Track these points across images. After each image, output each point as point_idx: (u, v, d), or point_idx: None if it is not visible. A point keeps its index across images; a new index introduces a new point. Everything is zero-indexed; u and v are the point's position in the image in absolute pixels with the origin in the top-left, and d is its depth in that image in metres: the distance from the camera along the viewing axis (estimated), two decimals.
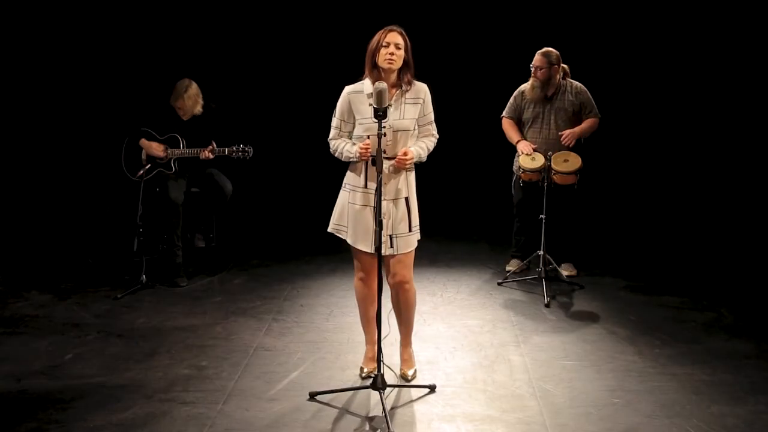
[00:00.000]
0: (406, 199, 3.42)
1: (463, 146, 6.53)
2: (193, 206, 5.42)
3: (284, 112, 6.99)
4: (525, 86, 5.06)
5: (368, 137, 3.32)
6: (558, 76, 4.94)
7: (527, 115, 5.05)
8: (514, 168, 5.23)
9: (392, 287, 3.52)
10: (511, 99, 5.12)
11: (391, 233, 3.39)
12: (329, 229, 3.54)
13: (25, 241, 6.05)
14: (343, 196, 3.49)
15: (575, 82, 5.03)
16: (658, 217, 6.58)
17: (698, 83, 6.59)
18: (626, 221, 6.57)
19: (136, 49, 6.66)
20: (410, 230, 3.43)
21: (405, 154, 3.33)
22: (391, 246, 3.40)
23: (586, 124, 4.99)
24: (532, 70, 4.95)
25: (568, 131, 4.91)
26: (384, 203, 3.35)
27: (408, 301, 3.54)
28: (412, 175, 3.49)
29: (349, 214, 3.44)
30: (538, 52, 4.94)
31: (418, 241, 3.50)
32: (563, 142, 4.89)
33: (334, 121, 3.48)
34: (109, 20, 6.62)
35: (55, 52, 6.65)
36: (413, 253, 3.49)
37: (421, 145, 3.44)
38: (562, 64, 4.98)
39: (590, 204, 5.73)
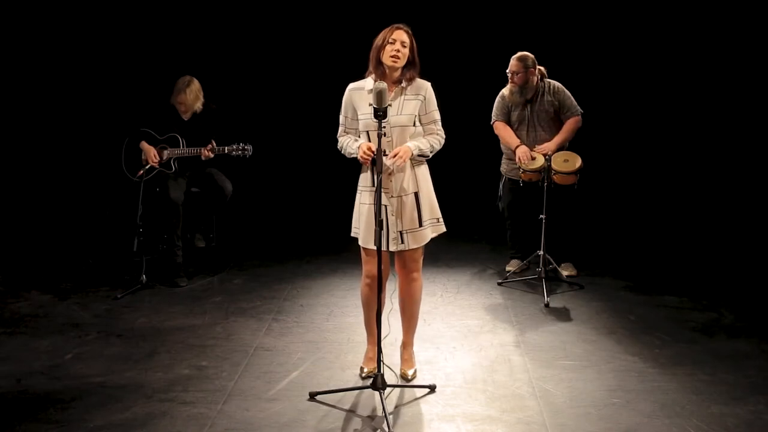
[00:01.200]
0: (416, 194, 3.42)
1: (464, 146, 6.52)
2: (193, 206, 5.42)
3: (284, 112, 6.99)
4: (507, 89, 5.05)
5: (371, 139, 3.33)
6: (535, 79, 4.93)
7: (513, 118, 5.06)
8: (502, 170, 5.23)
9: (401, 279, 3.54)
10: (498, 102, 5.09)
11: (401, 229, 3.40)
12: (352, 234, 3.54)
13: (25, 241, 6.05)
14: (357, 198, 3.51)
15: (553, 82, 5.01)
16: (658, 217, 6.58)
17: (698, 83, 6.59)
18: (626, 221, 6.57)
19: (136, 50, 6.67)
20: (420, 225, 3.43)
21: (395, 154, 3.29)
22: (402, 242, 3.41)
23: (566, 127, 4.94)
24: (509, 75, 4.93)
25: (543, 146, 4.89)
26: (393, 200, 3.37)
27: (414, 293, 3.55)
28: (422, 170, 3.47)
29: (360, 214, 3.45)
30: (514, 57, 4.91)
31: (442, 234, 3.53)
32: (540, 151, 4.86)
33: (340, 118, 3.51)
34: (109, 20, 6.62)
35: (55, 52, 6.65)
36: (423, 247, 3.50)
37: (422, 140, 3.41)
38: (539, 66, 4.95)
39: (590, 204, 5.73)
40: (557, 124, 4.99)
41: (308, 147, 6.72)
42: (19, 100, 6.65)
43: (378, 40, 3.37)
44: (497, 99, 5.10)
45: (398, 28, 3.36)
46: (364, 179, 3.45)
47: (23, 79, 6.63)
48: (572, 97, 4.99)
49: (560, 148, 4.91)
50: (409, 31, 3.38)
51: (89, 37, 6.64)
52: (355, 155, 3.38)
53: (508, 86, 4.99)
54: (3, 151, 6.61)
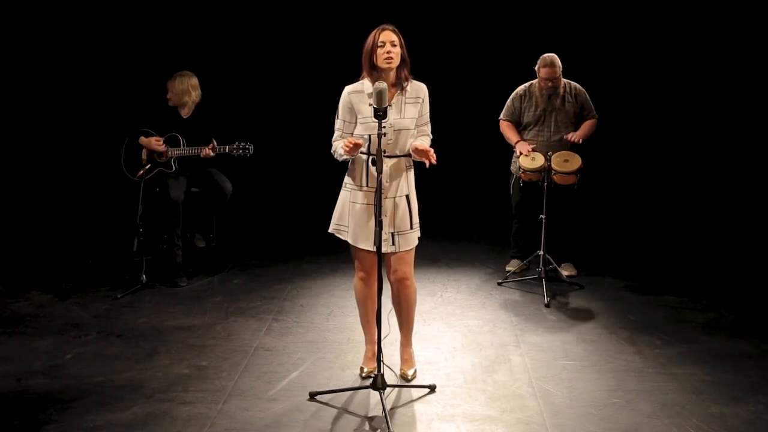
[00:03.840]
0: (407, 196, 3.43)
1: (464, 146, 6.53)
2: (193, 206, 5.42)
3: (284, 111, 6.99)
4: (522, 89, 5.05)
5: (371, 141, 3.32)
6: (563, 81, 4.96)
7: (528, 118, 5.04)
8: (512, 169, 5.23)
9: (393, 284, 3.53)
10: (509, 102, 5.10)
11: (393, 231, 3.40)
12: (330, 230, 3.55)
13: (25, 241, 6.05)
14: (343, 196, 3.49)
15: (573, 83, 5.02)
16: (657, 217, 6.58)
17: (697, 83, 6.59)
18: (626, 221, 6.57)
19: (135, 49, 6.67)
20: (411, 227, 3.44)
21: (427, 151, 3.31)
22: (393, 243, 3.41)
23: (587, 127, 4.99)
24: (543, 82, 4.90)
25: (571, 134, 4.89)
26: (387, 201, 3.37)
27: (408, 299, 3.55)
28: (412, 173, 3.50)
29: (350, 214, 3.45)
30: (546, 63, 4.85)
31: (418, 239, 3.51)
32: (571, 140, 4.87)
33: (337, 123, 3.48)
34: (109, 20, 6.62)
35: (55, 52, 6.65)
36: (414, 250, 3.50)
37: (426, 140, 3.44)
38: None
39: (590, 204, 5.73)
40: (573, 125, 5.00)
41: (308, 146, 6.71)
42: (19, 100, 6.64)
43: (367, 44, 3.36)
44: (510, 99, 5.09)
45: (384, 29, 3.35)
46: (355, 178, 3.44)
47: (23, 80, 6.63)
48: (590, 100, 5.01)
49: (583, 141, 4.91)
50: (396, 30, 3.37)
51: (89, 36, 6.63)
52: (344, 156, 3.37)
53: (536, 87, 4.97)
54: (3, 151, 6.61)
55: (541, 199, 4.87)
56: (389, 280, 3.54)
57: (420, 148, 3.33)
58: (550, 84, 4.90)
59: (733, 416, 3.18)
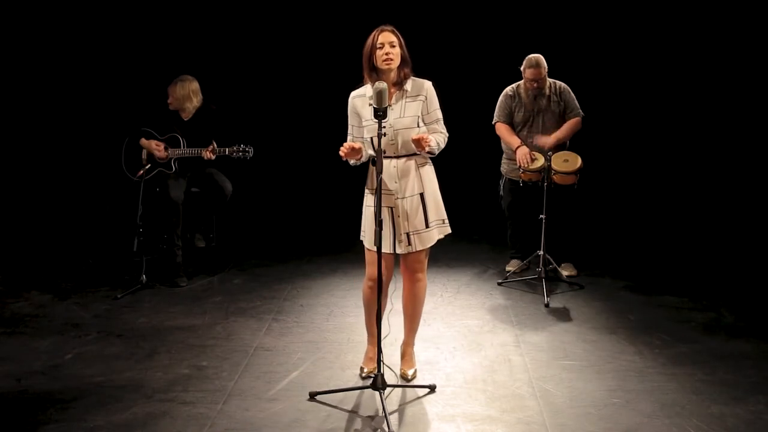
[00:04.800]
0: (422, 195, 3.42)
1: (464, 146, 6.51)
2: (193, 206, 5.42)
3: (284, 112, 6.99)
4: (510, 89, 5.04)
5: (374, 144, 3.31)
6: (548, 81, 4.95)
7: (516, 119, 5.04)
8: (502, 169, 5.22)
9: (404, 279, 3.54)
10: (502, 102, 5.06)
11: (408, 231, 3.40)
12: (361, 238, 3.54)
13: (25, 241, 6.05)
14: (364, 201, 3.51)
15: (558, 82, 5.01)
16: (657, 217, 6.58)
17: (697, 83, 6.59)
18: (626, 221, 6.57)
19: (136, 50, 6.67)
20: (427, 226, 3.43)
21: (423, 138, 3.26)
22: (409, 244, 3.41)
23: (566, 126, 4.95)
24: (529, 83, 4.89)
25: (542, 139, 4.87)
26: (398, 202, 3.37)
27: (418, 293, 3.55)
28: (427, 170, 3.47)
29: (366, 217, 3.45)
30: (532, 64, 4.84)
31: (447, 235, 3.52)
32: (541, 145, 4.85)
33: (348, 128, 3.50)
34: (110, 20, 6.63)
35: (56, 52, 6.65)
36: (428, 248, 3.50)
37: (436, 136, 3.41)
38: None
39: (590, 204, 5.73)
40: (561, 125, 4.98)
41: (308, 147, 6.73)
42: (19, 100, 6.65)
43: (366, 47, 3.36)
44: (501, 99, 5.07)
45: (383, 30, 3.35)
46: (369, 182, 3.46)
47: (23, 80, 6.63)
48: (575, 99, 4.99)
49: (558, 144, 4.90)
50: (395, 30, 3.37)
51: (89, 37, 6.64)
52: (352, 161, 3.38)
53: (524, 88, 4.96)
54: (3, 151, 6.61)
55: (533, 200, 4.87)
56: (402, 276, 3.55)
57: (414, 138, 3.29)
58: (535, 85, 4.89)
59: (733, 416, 3.18)
